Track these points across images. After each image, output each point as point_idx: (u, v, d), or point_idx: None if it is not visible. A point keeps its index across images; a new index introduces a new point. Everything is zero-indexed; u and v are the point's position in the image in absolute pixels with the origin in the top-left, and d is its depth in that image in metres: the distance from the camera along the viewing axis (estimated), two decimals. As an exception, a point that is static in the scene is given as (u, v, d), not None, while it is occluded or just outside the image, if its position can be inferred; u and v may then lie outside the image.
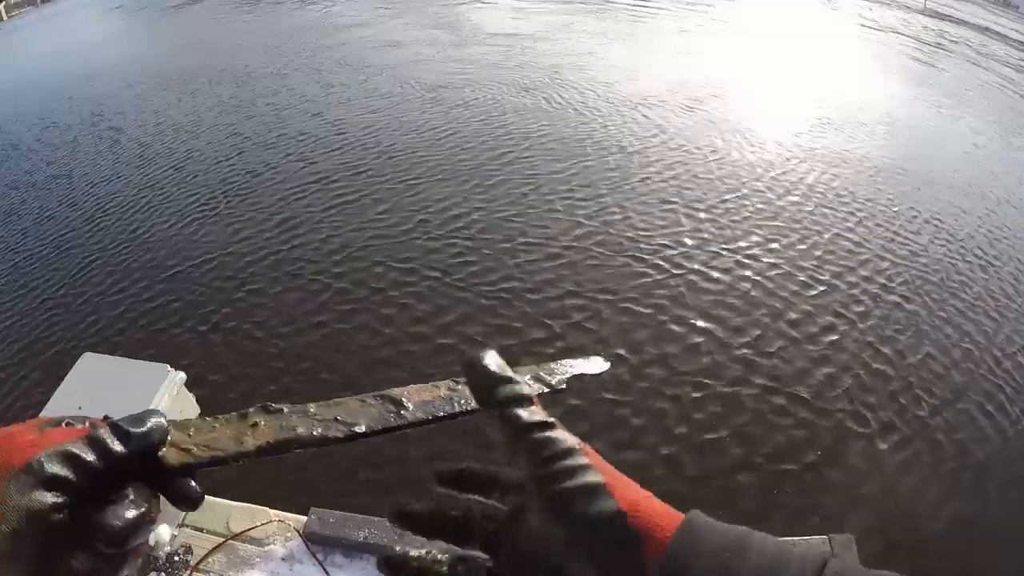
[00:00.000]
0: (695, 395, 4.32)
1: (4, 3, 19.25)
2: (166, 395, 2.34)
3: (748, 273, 5.42)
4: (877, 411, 4.29)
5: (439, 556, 0.47)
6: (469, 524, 0.46)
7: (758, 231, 6.00)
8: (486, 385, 0.44)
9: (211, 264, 5.55)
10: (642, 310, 5.01)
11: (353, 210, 6.24)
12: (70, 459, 0.40)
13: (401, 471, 3.56)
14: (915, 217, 6.57)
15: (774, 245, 5.83)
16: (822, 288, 5.32)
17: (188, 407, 2.51)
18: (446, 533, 0.47)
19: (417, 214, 6.13)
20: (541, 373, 0.61)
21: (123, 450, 0.43)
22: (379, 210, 6.21)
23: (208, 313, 4.99)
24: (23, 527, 0.38)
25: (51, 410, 2.17)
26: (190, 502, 0.46)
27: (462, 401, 0.57)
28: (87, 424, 0.44)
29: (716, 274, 5.40)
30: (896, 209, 6.68)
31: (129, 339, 4.81)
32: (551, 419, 0.42)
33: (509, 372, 0.45)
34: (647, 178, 6.89)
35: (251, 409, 0.52)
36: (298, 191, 6.64)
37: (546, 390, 0.60)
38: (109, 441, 0.42)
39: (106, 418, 0.45)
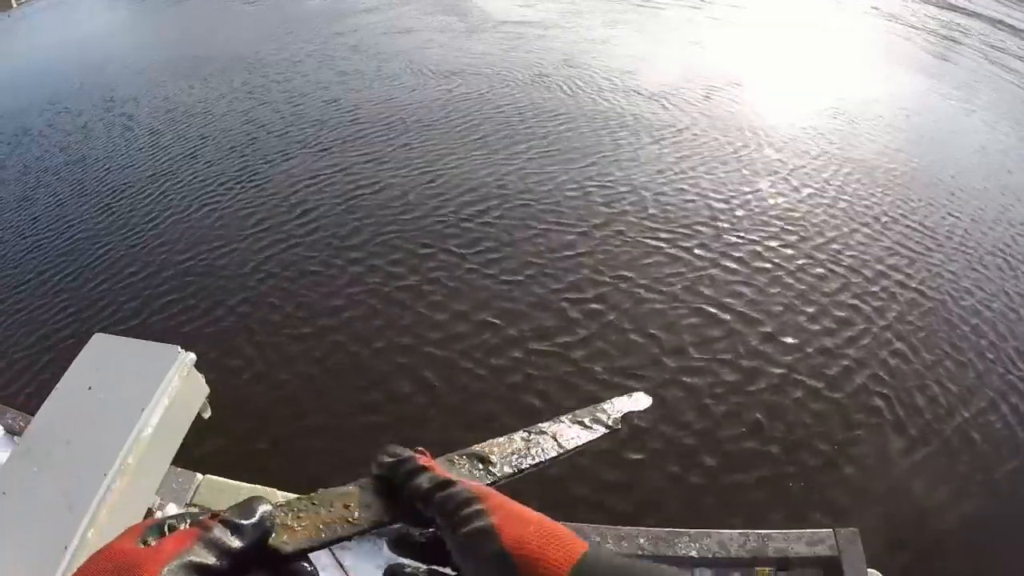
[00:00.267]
0: (710, 383, 4.32)
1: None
2: (176, 376, 2.35)
3: (766, 265, 5.41)
4: (892, 406, 4.26)
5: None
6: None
7: (777, 222, 5.99)
8: (389, 473, 0.53)
9: (224, 250, 5.56)
10: (660, 297, 5.01)
11: (370, 199, 6.20)
12: (194, 568, 0.40)
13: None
14: (931, 212, 6.52)
15: (790, 236, 5.82)
16: (839, 281, 5.31)
17: (198, 388, 2.53)
18: (427, 557, 0.55)
19: (436, 202, 6.10)
20: (597, 415, 0.69)
21: (240, 545, 0.43)
22: (397, 199, 6.17)
23: (220, 297, 5.00)
24: None
25: (62, 389, 2.19)
26: None
27: (542, 450, 0.63)
28: (189, 524, 0.44)
29: (733, 264, 5.39)
30: (912, 203, 6.62)
31: (140, 321, 4.83)
32: (451, 477, 0.50)
33: (406, 453, 0.53)
34: (666, 167, 6.86)
35: (351, 485, 0.53)
36: (313, 179, 6.61)
37: (605, 431, 0.67)
38: (226, 539, 0.42)
39: (215, 515, 0.44)
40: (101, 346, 2.54)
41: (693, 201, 6.23)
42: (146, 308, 4.97)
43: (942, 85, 10.86)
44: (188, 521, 0.44)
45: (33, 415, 2.23)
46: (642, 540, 2.71)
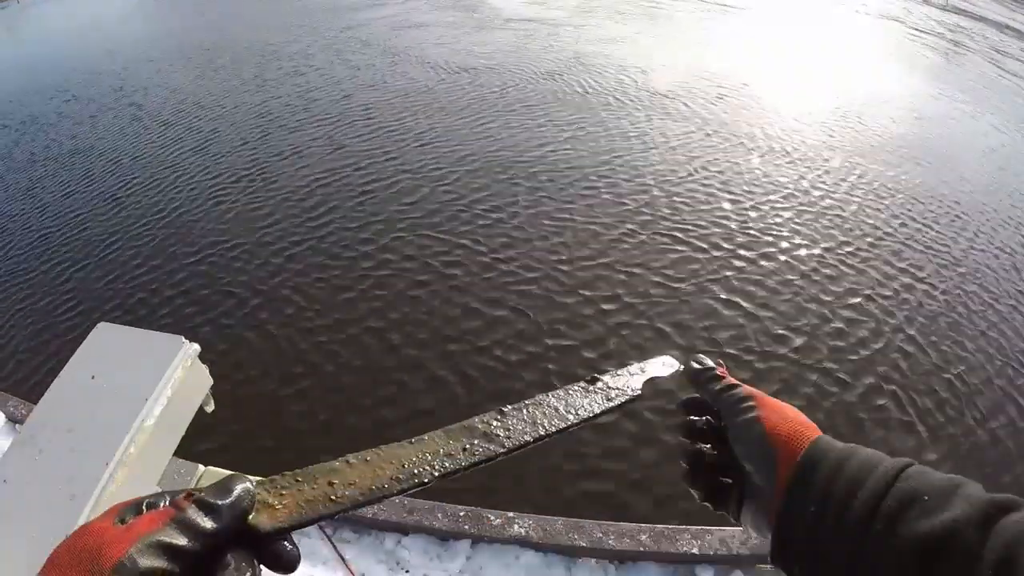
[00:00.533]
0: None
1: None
2: (180, 367, 2.35)
3: (777, 263, 5.43)
4: (900, 405, 4.25)
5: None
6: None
7: (795, 222, 6.00)
8: (695, 377, 0.68)
9: (234, 244, 5.55)
10: (676, 293, 5.03)
11: (383, 197, 6.16)
12: (163, 549, 0.39)
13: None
14: (940, 213, 6.51)
15: (805, 231, 5.86)
16: (850, 280, 5.31)
17: (202, 379, 2.53)
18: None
19: (451, 200, 6.08)
20: (612, 382, 0.67)
21: (214, 526, 0.42)
22: (411, 198, 6.14)
23: (228, 290, 5.00)
24: None
25: (65, 378, 2.19)
26: (286, 565, 0.45)
27: (553, 422, 0.61)
28: (167, 503, 0.43)
29: (744, 263, 5.40)
30: (922, 204, 6.62)
31: (146, 312, 4.85)
32: (735, 382, 0.65)
33: (704, 363, 0.68)
34: (680, 167, 6.87)
35: (337, 461, 0.52)
36: (326, 175, 6.58)
37: (624, 399, 0.66)
38: (199, 520, 0.41)
39: (189, 494, 0.43)
40: (104, 335, 2.54)
41: (707, 200, 6.23)
42: (151, 300, 4.98)
43: (948, 87, 10.81)
44: (167, 500, 0.43)
45: (35, 404, 2.24)
46: (644, 536, 2.70)
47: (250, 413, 3.85)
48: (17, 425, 3.32)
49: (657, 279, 5.13)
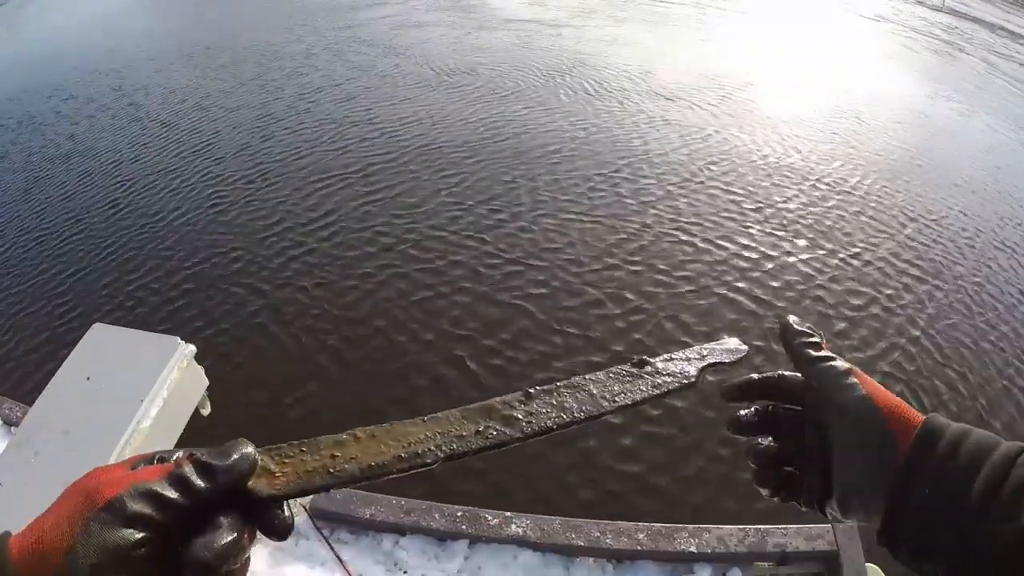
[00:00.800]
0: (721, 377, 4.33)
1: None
2: (176, 368, 2.35)
3: (787, 258, 5.48)
4: (904, 398, 4.26)
5: None
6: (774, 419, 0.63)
7: (801, 222, 6.03)
8: (791, 336, 0.61)
9: (231, 247, 5.53)
10: (688, 289, 5.07)
11: (386, 203, 6.09)
12: (152, 497, 0.42)
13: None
14: (941, 210, 6.55)
15: (807, 230, 5.89)
16: (856, 275, 5.36)
17: (198, 380, 2.53)
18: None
19: (457, 205, 6.03)
20: (664, 366, 0.61)
21: (206, 486, 0.44)
22: (415, 203, 6.08)
23: (225, 293, 4.98)
24: (103, 562, 0.39)
25: (60, 379, 2.19)
26: (279, 533, 0.47)
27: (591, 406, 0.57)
28: (174, 460, 0.45)
29: (755, 256, 5.45)
30: (923, 201, 6.66)
31: (141, 313, 4.84)
32: (831, 354, 0.59)
33: (804, 327, 0.61)
34: (690, 164, 6.89)
35: (344, 434, 0.52)
36: (328, 179, 6.52)
37: (673, 387, 0.60)
38: (192, 478, 0.43)
39: (191, 455, 0.45)
40: (100, 336, 2.54)
41: (717, 199, 6.26)
42: (148, 301, 4.97)
43: (944, 87, 10.84)
44: (176, 456, 0.46)
45: (31, 405, 2.23)
46: (641, 535, 2.70)
47: (249, 417, 3.83)
48: (12, 428, 3.31)
49: (663, 277, 5.15)
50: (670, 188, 6.39)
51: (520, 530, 2.67)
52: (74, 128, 8.29)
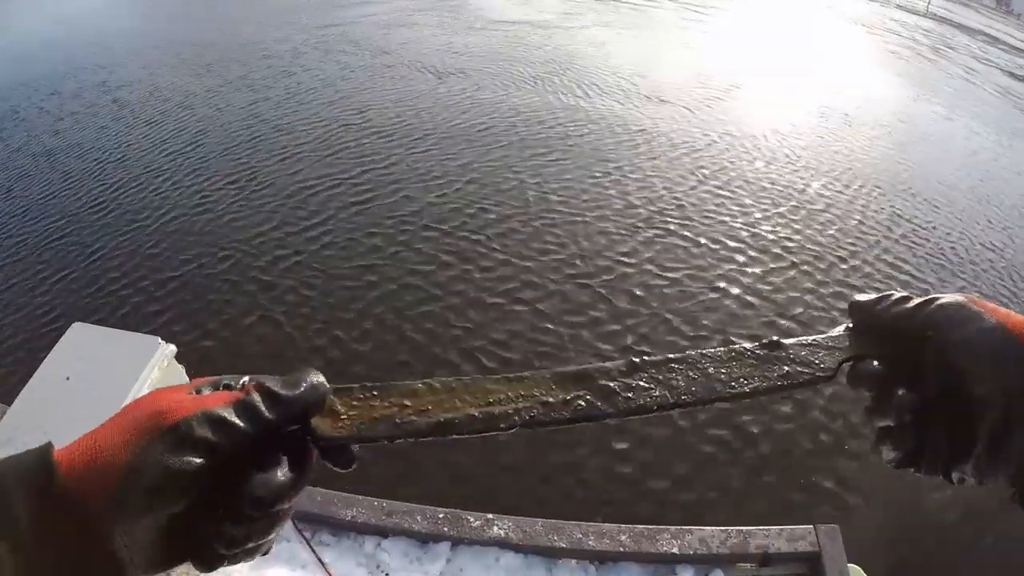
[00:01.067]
0: None
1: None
2: (156, 367, 2.33)
3: (780, 260, 5.54)
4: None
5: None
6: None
7: (793, 225, 6.12)
8: (871, 307, 0.53)
9: (216, 248, 5.49)
10: (686, 286, 5.15)
11: (375, 208, 6.05)
12: (219, 424, 0.41)
13: (388, 449, 3.56)
14: (927, 210, 6.66)
15: (799, 228, 6.01)
16: (843, 272, 5.46)
17: (179, 380, 2.49)
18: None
19: (450, 216, 5.98)
20: (797, 352, 0.52)
21: (272, 417, 0.43)
22: (404, 208, 6.05)
23: (209, 295, 4.95)
24: (162, 484, 0.39)
25: (39, 379, 2.16)
26: (342, 466, 0.47)
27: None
28: (242, 387, 0.45)
29: (749, 257, 5.52)
30: (909, 201, 6.77)
31: (122, 312, 4.79)
32: (924, 297, 0.51)
33: (876, 294, 0.53)
34: (681, 166, 6.96)
35: (420, 383, 0.49)
36: (316, 182, 6.47)
37: (805, 379, 0.51)
38: (260, 407, 0.43)
39: (259, 383, 0.45)
40: (80, 335, 2.52)
41: (710, 199, 6.33)
42: (130, 301, 4.92)
43: (926, 91, 10.99)
44: (242, 383, 0.45)
45: (9, 405, 2.21)
46: (624, 537, 2.71)
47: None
48: (-8, 427, 3.27)
49: (656, 279, 5.19)
50: (663, 190, 6.43)
51: (502, 532, 2.67)
52: (59, 125, 8.18)
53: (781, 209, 6.25)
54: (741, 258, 5.46)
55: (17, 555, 0.36)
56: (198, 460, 0.40)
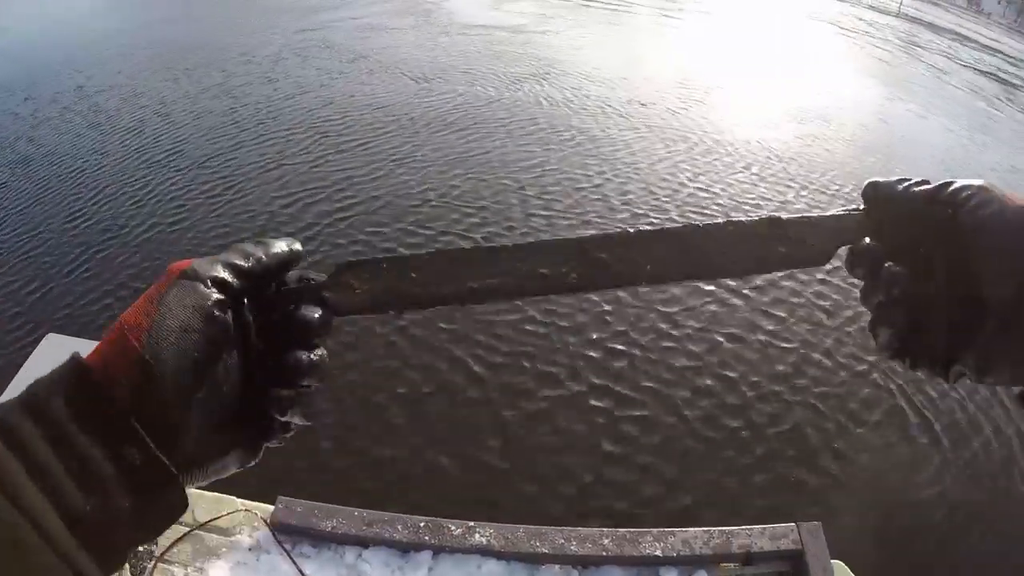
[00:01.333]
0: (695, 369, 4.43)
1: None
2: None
3: None
4: (871, 398, 4.37)
5: None
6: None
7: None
8: (892, 185, 0.50)
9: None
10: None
11: (357, 217, 5.99)
12: (224, 263, 0.45)
13: (368, 459, 3.54)
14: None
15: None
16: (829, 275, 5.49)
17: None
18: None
19: (431, 223, 5.96)
20: (797, 231, 0.52)
21: (266, 258, 0.46)
22: (385, 215, 6.00)
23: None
24: (190, 319, 0.41)
25: (13, 391, 2.10)
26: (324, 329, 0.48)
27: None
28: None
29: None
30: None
31: (98, 324, 4.71)
32: (951, 179, 0.48)
33: (895, 178, 0.51)
34: (665, 167, 7.02)
35: (426, 253, 0.50)
36: (297, 192, 6.38)
37: (801, 263, 0.52)
38: (251, 249, 0.47)
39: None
40: (54, 347, 2.48)
41: (692, 202, 6.44)
42: (106, 314, 4.84)
43: (901, 91, 11.15)
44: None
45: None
46: (606, 540, 2.71)
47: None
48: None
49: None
50: (644, 193, 6.49)
51: (484, 539, 2.65)
52: (34, 132, 8.03)
53: (761, 213, 6.30)
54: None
55: (59, 448, 0.36)
56: (216, 294, 0.43)
